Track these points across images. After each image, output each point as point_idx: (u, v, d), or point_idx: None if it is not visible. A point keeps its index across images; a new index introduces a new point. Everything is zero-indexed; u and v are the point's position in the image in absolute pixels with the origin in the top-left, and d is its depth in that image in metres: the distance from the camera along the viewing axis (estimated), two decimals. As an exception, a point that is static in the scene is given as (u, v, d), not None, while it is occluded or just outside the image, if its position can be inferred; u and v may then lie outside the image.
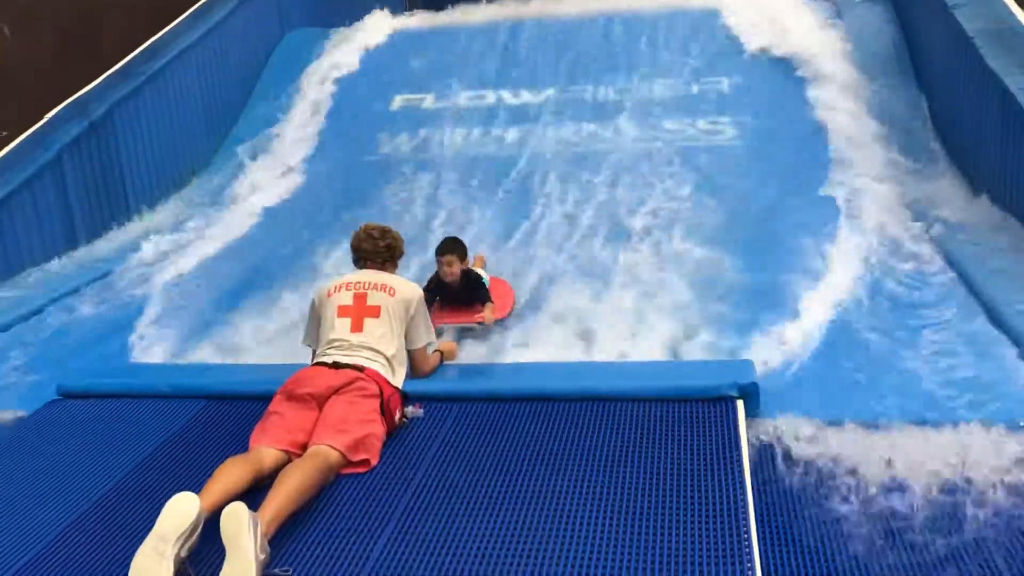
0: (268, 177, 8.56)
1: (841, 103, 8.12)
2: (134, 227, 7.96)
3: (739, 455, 3.38)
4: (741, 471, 3.27)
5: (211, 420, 4.03)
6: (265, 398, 4.01)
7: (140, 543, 2.90)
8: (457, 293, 5.38)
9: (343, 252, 6.90)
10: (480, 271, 5.73)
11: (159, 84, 8.44)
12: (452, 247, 5.37)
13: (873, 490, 3.38)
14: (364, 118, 9.35)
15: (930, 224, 6.27)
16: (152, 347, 5.47)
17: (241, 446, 3.65)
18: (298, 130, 9.28)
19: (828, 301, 5.21)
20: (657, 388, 3.95)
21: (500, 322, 5.38)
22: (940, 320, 5.00)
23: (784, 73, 8.79)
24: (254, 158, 8.93)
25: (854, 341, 4.82)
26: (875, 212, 6.51)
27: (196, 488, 3.21)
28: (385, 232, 4.32)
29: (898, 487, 3.38)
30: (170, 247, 7.37)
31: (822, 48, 8.84)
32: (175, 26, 9.16)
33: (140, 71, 8.30)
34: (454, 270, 5.32)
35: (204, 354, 5.35)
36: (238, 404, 4.13)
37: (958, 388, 4.13)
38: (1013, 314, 4.78)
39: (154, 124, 8.38)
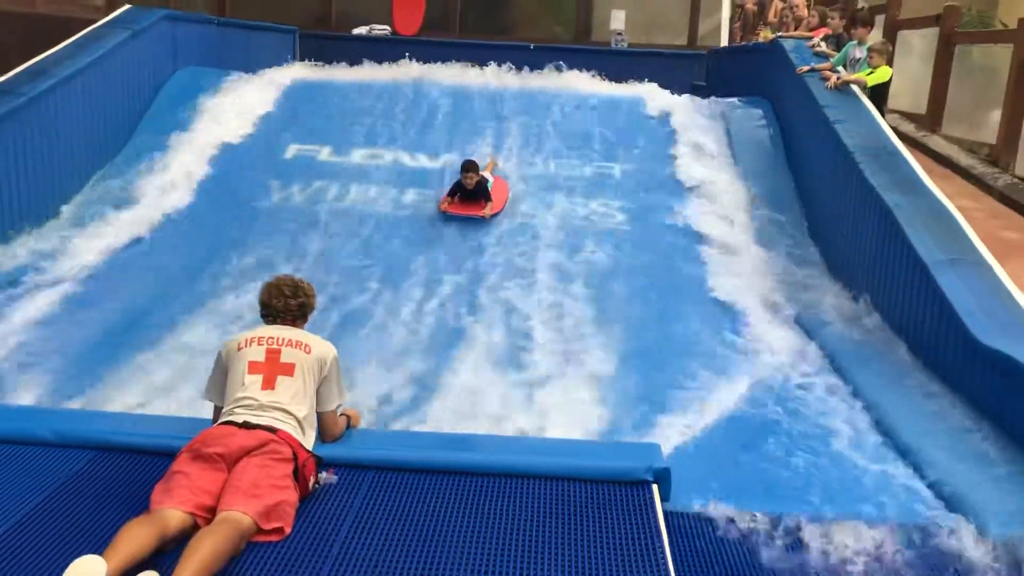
0: (144, 214, 8.16)
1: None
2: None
3: (660, 543, 3.39)
4: (664, 561, 3.27)
5: (102, 474, 3.73)
6: (162, 453, 3.79)
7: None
8: (470, 193, 8.28)
9: (220, 298, 6.69)
10: (488, 174, 8.57)
11: (39, 108, 7.94)
12: (471, 166, 8.32)
13: None
14: (256, 163, 9.13)
15: (812, 325, 6.61)
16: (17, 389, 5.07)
17: (140, 504, 3.39)
18: (181, 169, 8.93)
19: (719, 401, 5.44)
20: (572, 467, 3.93)
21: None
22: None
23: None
24: (129, 193, 8.50)
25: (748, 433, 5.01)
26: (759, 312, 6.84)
27: (90, 550, 2.96)
28: (297, 288, 4.15)
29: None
30: (33, 278, 6.88)
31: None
32: (60, 49, 8.74)
33: (20, 92, 7.81)
34: (473, 181, 8.26)
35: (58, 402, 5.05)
36: (132, 458, 3.84)
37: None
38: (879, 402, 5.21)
39: (28, 149, 7.86)
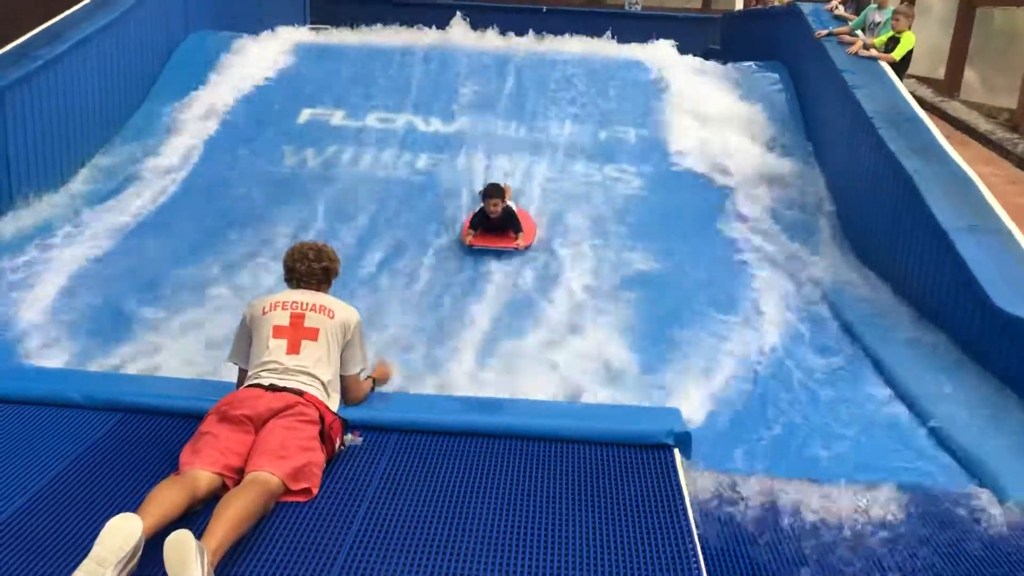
0: (158, 180, 8.18)
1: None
2: (17, 217, 7.39)
3: (683, 506, 3.43)
4: (688, 524, 3.31)
5: (129, 435, 3.77)
6: (188, 415, 3.83)
7: (66, 566, 2.68)
8: (496, 223, 7.19)
9: (236, 264, 6.73)
10: (510, 203, 7.35)
11: (55, 71, 7.93)
12: (496, 192, 7.17)
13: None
14: (268, 128, 9.12)
15: (824, 292, 6.61)
16: (45, 351, 5.12)
17: (167, 466, 3.44)
18: (196, 133, 8.95)
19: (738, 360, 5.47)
20: (594, 431, 3.96)
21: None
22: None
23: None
24: (146, 158, 8.52)
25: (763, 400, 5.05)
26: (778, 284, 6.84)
27: (122, 510, 3.00)
28: (321, 253, 4.14)
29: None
30: (59, 243, 6.92)
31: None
32: (74, 12, 8.71)
33: (37, 55, 7.79)
34: (498, 209, 7.14)
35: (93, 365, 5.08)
36: (159, 420, 3.88)
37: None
38: (896, 371, 5.21)
39: (45, 113, 7.86)
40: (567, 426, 4.00)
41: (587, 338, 5.86)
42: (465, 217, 7.56)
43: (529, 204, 7.96)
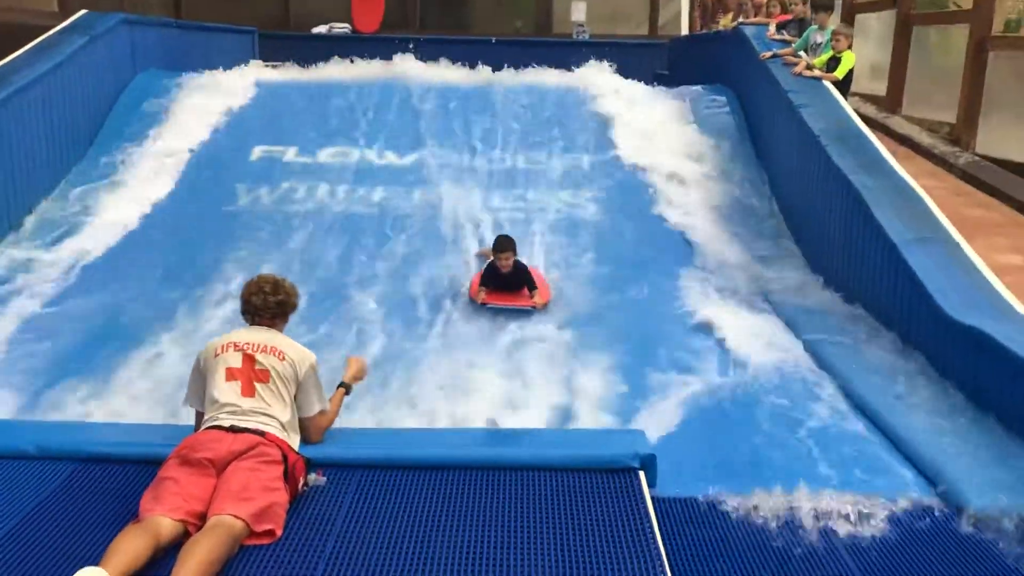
0: (109, 223, 8.05)
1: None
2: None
3: (650, 529, 3.43)
4: (656, 547, 3.32)
5: (86, 485, 3.70)
6: (146, 461, 3.77)
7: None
8: (507, 279, 6.65)
9: (190, 306, 6.65)
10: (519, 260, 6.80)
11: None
12: (509, 244, 6.66)
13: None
14: (222, 165, 9.07)
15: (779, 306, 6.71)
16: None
17: (127, 514, 3.37)
18: (145, 176, 8.83)
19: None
20: (558, 457, 3.96)
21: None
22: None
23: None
24: (96, 203, 8.39)
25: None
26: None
27: (83, 563, 2.95)
28: (278, 286, 4.12)
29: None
30: (6, 291, 6.80)
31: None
32: (17, 56, 8.62)
33: (-20, 99, 7.69)
34: (510, 263, 6.61)
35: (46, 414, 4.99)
36: (116, 467, 3.82)
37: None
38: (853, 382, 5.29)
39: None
40: (530, 454, 4.01)
41: (548, 361, 5.90)
42: (474, 273, 7.13)
43: (486, 231, 7.98)
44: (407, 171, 9.06)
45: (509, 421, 5.07)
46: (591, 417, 5.15)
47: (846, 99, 8.40)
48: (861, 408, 5.05)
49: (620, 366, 5.83)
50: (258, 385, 3.79)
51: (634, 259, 7.61)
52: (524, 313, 6.60)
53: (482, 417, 5.10)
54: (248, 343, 3.89)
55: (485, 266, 6.87)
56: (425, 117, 9.94)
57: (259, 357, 3.84)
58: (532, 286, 6.68)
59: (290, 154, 9.30)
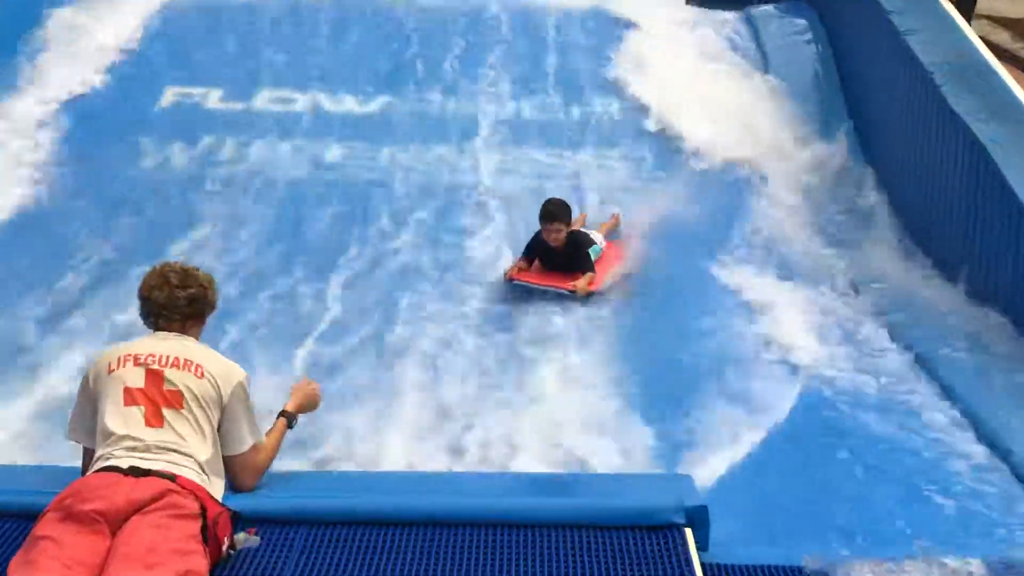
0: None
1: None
2: None
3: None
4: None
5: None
6: (16, 515, 3.80)
7: None
8: (560, 256, 6.96)
9: (74, 310, 6.67)
10: (597, 234, 7.32)
11: None
12: (560, 212, 6.89)
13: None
14: (120, 116, 9.09)
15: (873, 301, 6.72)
16: None
17: (-8, 588, 3.40)
18: (18, 128, 8.86)
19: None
20: (579, 510, 3.96)
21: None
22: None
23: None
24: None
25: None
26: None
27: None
28: (187, 276, 4.07)
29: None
30: None
31: None
32: None
33: None
34: (561, 237, 6.89)
35: None
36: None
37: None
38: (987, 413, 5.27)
39: None
40: (542, 506, 4.01)
41: (565, 378, 5.99)
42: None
43: (475, 200, 8.08)
44: (373, 122, 9.09)
45: (514, 460, 5.13)
46: (621, 457, 5.18)
47: (969, 22, 8.39)
48: (988, 442, 5.05)
49: (662, 389, 5.87)
50: (167, 412, 3.78)
51: (675, 243, 7.62)
52: (562, 298, 6.84)
53: (481, 454, 5.19)
54: (153, 355, 3.87)
55: (533, 236, 7.12)
56: (397, 48, 9.95)
57: (168, 374, 3.82)
58: (587, 267, 6.94)
59: (213, 98, 9.34)
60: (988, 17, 11.06)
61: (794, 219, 7.99)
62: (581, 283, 6.81)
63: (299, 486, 4.15)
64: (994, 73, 7.42)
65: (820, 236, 7.80)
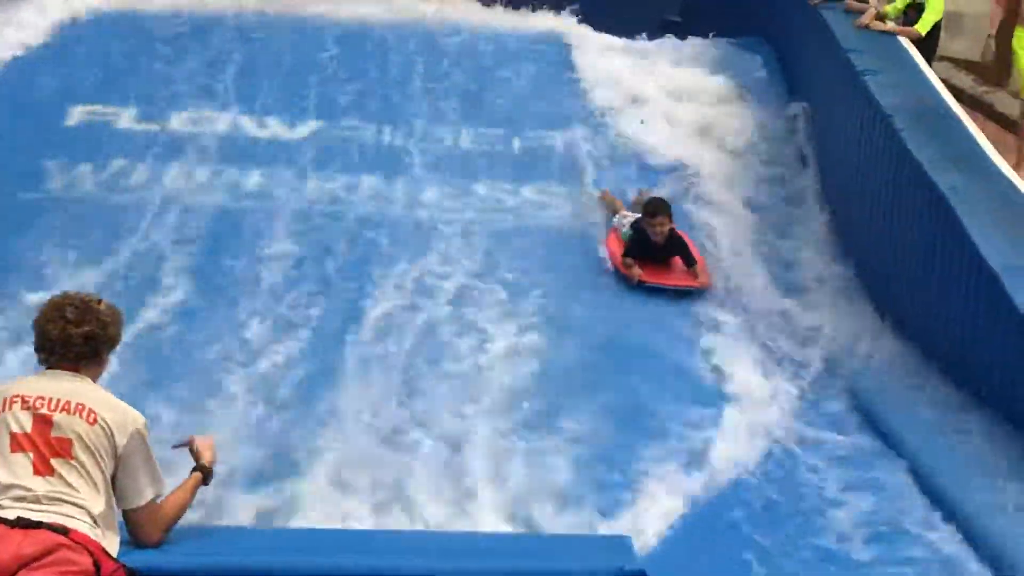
0: None
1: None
2: None
3: None
4: None
5: None
6: None
7: None
8: (659, 250, 7.40)
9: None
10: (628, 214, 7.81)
11: None
12: (665, 207, 7.35)
13: None
14: (23, 134, 8.99)
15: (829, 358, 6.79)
16: None
17: None
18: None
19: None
20: (506, 573, 3.96)
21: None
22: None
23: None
24: None
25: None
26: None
27: None
28: (88, 311, 3.97)
29: None
30: None
31: None
32: None
33: None
34: (666, 231, 7.36)
35: None
36: None
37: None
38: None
39: None
40: (476, 569, 4.01)
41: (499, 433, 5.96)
42: (603, 236, 7.82)
43: (408, 239, 8.03)
44: (299, 147, 9.08)
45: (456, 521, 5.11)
46: (555, 517, 5.18)
47: (930, 64, 8.53)
48: (935, 496, 5.14)
49: (602, 442, 5.87)
50: (56, 461, 3.69)
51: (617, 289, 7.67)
52: (681, 294, 7.36)
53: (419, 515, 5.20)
54: (42, 398, 3.78)
55: (630, 232, 7.49)
56: (327, 69, 9.96)
57: (57, 419, 3.73)
58: (691, 260, 7.45)
59: (126, 118, 9.28)
60: (949, 59, 11.26)
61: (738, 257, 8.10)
62: (703, 278, 7.45)
63: (210, 542, 4.08)
64: (956, 119, 7.53)
65: (765, 274, 7.90)
